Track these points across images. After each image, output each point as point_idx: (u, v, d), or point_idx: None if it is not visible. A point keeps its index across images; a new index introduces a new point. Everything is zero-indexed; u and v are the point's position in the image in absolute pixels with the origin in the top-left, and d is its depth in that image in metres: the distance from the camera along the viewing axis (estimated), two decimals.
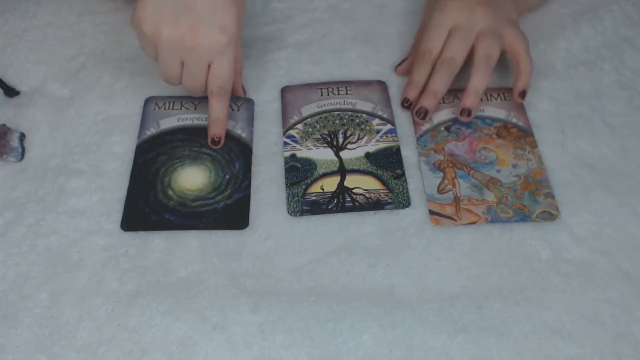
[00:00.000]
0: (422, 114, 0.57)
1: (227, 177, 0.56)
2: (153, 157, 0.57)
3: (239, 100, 0.62)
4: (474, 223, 0.52)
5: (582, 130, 0.59)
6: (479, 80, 0.57)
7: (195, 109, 0.61)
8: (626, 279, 0.49)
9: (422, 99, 0.58)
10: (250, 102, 0.62)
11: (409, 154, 0.58)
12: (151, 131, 0.59)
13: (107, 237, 0.52)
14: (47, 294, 0.49)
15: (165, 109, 0.61)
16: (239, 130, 0.59)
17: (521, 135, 0.58)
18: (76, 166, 0.57)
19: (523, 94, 0.58)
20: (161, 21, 0.52)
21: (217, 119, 0.57)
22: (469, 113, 0.58)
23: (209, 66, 0.55)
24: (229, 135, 0.59)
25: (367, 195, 0.54)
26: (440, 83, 0.57)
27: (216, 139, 0.57)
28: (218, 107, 0.57)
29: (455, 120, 0.59)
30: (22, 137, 0.59)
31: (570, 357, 0.46)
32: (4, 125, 0.59)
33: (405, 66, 0.64)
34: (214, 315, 0.47)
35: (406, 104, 0.59)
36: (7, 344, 0.46)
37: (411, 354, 0.46)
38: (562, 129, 0.60)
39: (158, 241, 0.52)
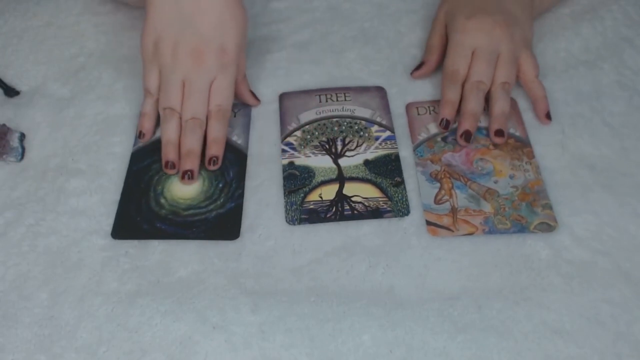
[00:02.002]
0: (467, 137, 0.58)
1: (221, 185, 0.55)
2: (147, 165, 0.57)
3: (236, 106, 0.62)
4: (471, 234, 0.52)
5: (582, 130, 0.59)
6: (502, 104, 0.58)
7: None
8: (626, 279, 0.49)
9: (464, 123, 0.58)
10: (247, 108, 0.62)
11: (407, 155, 0.58)
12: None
13: (107, 237, 0.52)
14: (47, 294, 0.49)
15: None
16: (235, 137, 0.59)
17: (518, 146, 0.58)
18: (76, 166, 0.57)
19: (548, 115, 0.59)
20: (166, 44, 0.56)
21: (215, 138, 0.57)
22: (502, 133, 0.58)
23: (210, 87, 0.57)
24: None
25: (366, 204, 0.54)
26: (477, 105, 0.58)
27: (214, 160, 0.56)
28: (216, 127, 0.57)
29: (452, 131, 0.59)
30: (22, 137, 0.59)
31: (570, 357, 0.45)
32: (4, 125, 0.59)
33: (423, 72, 0.64)
34: (214, 316, 0.47)
35: (444, 124, 0.59)
36: (7, 344, 0.46)
37: (411, 354, 0.46)
38: (562, 129, 0.60)
39: (157, 241, 0.52)
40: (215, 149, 0.57)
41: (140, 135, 0.58)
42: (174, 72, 0.56)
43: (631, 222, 0.53)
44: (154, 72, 0.57)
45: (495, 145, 0.58)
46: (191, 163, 0.55)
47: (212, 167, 0.56)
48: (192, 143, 0.56)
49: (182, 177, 0.55)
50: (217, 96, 0.57)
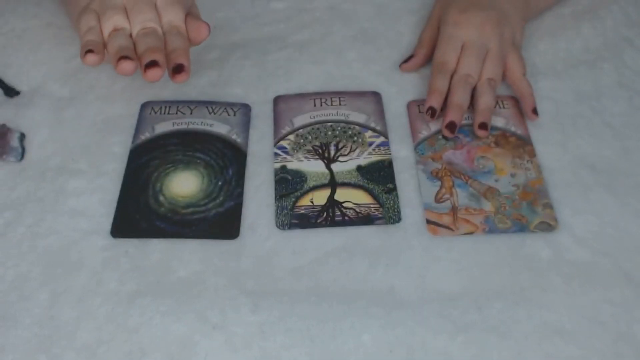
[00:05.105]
0: (452, 128, 0.58)
1: (220, 183, 0.55)
2: (146, 162, 0.57)
3: (235, 105, 0.62)
4: (471, 233, 0.52)
5: (583, 130, 0.59)
6: (488, 99, 0.59)
7: (191, 113, 0.61)
8: (627, 280, 0.49)
9: (450, 114, 0.58)
10: (246, 107, 0.62)
11: (407, 154, 0.58)
12: (146, 136, 0.59)
13: (107, 237, 0.52)
14: (47, 294, 0.49)
15: (161, 113, 0.61)
16: (234, 135, 0.59)
17: (520, 144, 0.58)
18: (76, 166, 0.57)
19: (535, 111, 0.59)
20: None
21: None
22: (486, 126, 0.58)
23: None
24: (223, 140, 0.58)
25: (357, 210, 0.53)
26: (464, 97, 0.59)
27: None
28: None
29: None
30: (22, 137, 0.59)
31: (570, 357, 0.45)
32: (4, 125, 0.59)
33: (412, 64, 0.64)
34: (214, 316, 0.47)
35: (430, 112, 0.59)
36: (7, 344, 0.46)
37: (411, 354, 0.45)
38: (562, 129, 0.59)
39: (157, 241, 0.52)
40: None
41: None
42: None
43: (632, 223, 0.53)
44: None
45: (497, 143, 0.58)
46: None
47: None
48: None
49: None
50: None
